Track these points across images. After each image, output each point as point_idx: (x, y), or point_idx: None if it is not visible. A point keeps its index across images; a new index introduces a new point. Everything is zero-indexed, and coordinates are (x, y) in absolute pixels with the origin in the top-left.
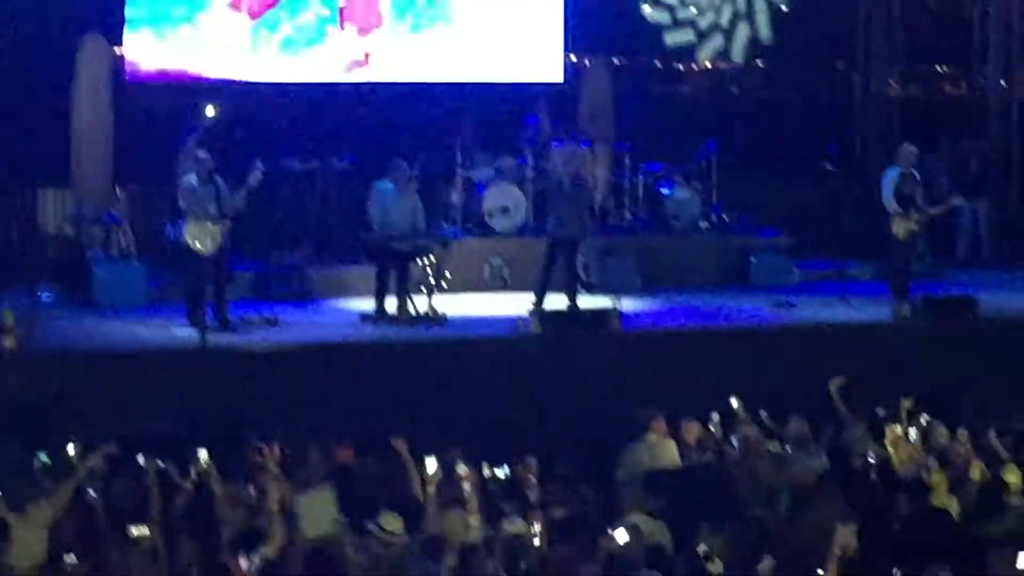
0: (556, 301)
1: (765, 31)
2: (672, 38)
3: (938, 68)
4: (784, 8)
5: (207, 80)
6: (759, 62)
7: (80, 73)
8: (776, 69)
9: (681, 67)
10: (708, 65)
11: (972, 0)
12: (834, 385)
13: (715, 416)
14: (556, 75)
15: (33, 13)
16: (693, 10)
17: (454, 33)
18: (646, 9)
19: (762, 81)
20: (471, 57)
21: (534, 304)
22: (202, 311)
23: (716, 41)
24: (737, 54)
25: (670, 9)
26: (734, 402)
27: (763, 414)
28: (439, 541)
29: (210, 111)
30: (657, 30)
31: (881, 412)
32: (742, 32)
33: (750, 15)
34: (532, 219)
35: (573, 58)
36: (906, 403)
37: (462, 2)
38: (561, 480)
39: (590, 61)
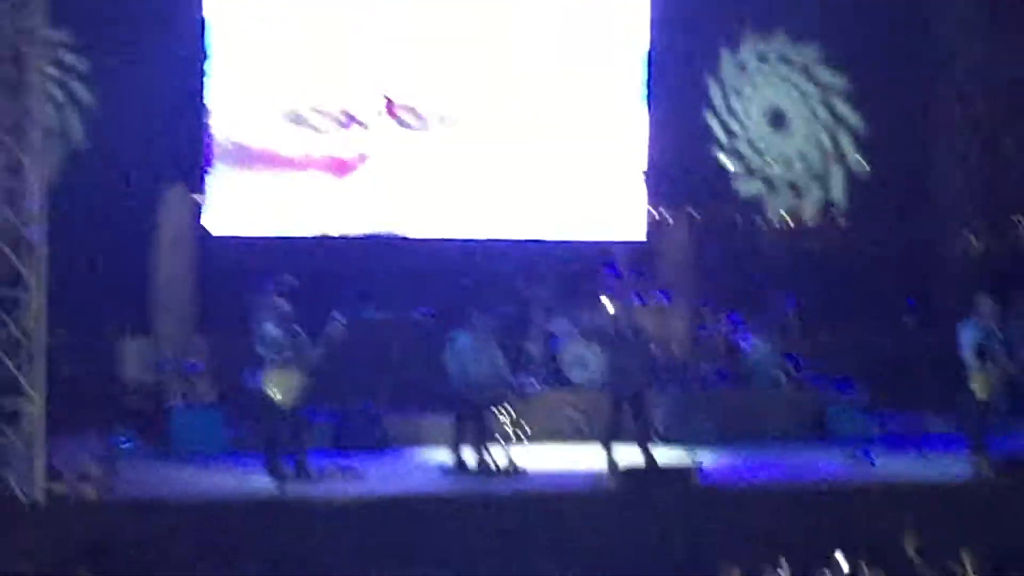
0: (631, 455)
1: (839, 194)
2: (771, 204)
3: (1015, 219)
4: (863, 166)
5: (286, 236)
6: (840, 219)
7: (162, 223)
8: (854, 223)
9: (760, 220)
10: (787, 219)
11: None
12: (910, 542)
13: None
14: (639, 232)
15: (117, 162)
16: (775, 167)
17: (538, 188)
18: (739, 184)
19: (840, 234)
20: (554, 213)
21: (606, 459)
22: (280, 460)
23: (787, 197)
24: (809, 213)
25: (761, 175)
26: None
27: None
28: None
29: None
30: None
31: (959, 570)
32: (815, 194)
33: (824, 178)
34: (609, 372)
35: (653, 212)
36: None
37: (545, 156)
38: None
39: (670, 216)
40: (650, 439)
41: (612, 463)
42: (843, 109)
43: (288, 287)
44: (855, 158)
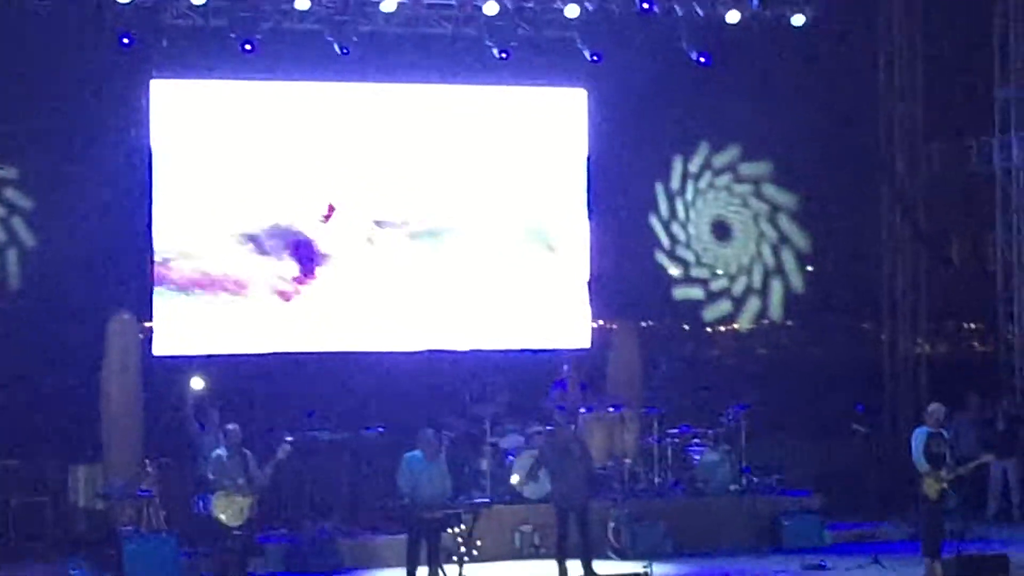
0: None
1: (798, 283)
2: (711, 313)
3: (964, 325)
4: (809, 268)
5: (233, 355)
6: (788, 323)
7: (109, 351)
8: (804, 329)
9: (709, 330)
10: (736, 327)
11: (996, 255)
12: None
13: None
14: (584, 341)
15: (64, 292)
16: (725, 281)
17: (482, 299)
18: (679, 292)
19: (790, 342)
20: (499, 324)
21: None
22: None
23: (753, 304)
24: (775, 311)
25: (703, 284)
26: None
27: None
28: None
29: (196, 384)
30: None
31: None
32: (777, 289)
33: (781, 271)
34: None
35: (600, 323)
36: None
37: (489, 267)
38: None
39: (617, 326)
40: (591, 553)
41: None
42: (789, 224)
43: (234, 411)
44: (801, 267)
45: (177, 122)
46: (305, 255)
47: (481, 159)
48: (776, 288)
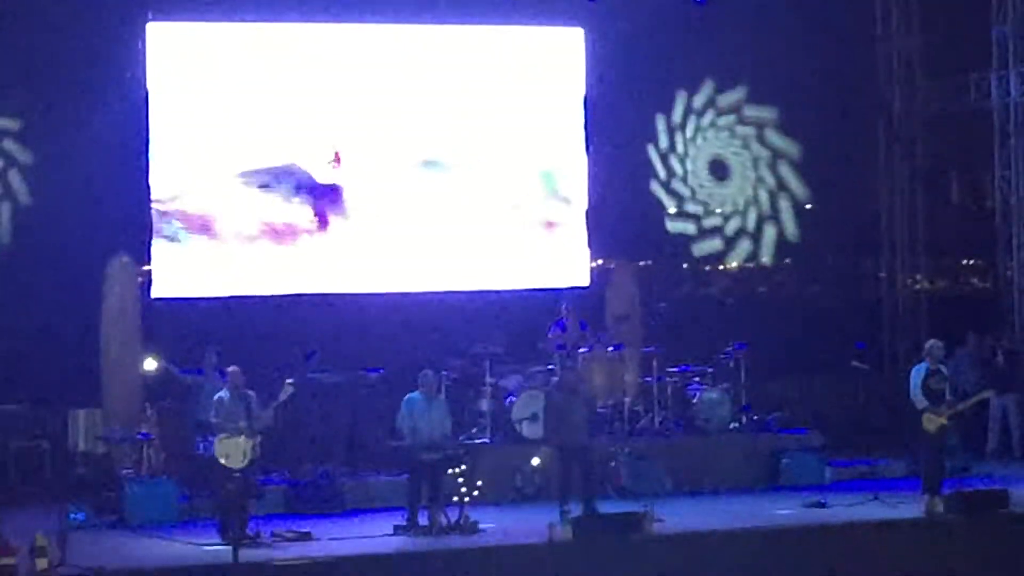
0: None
1: (791, 230)
2: (700, 248)
3: (963, 262)
4: (808, 206)
5: (233, 297)
6: (787, 261)
7: (108, 293)
8: (802, 268)
9: (708, 268)
10: (735, 266)
11: (994, 191)
12: None
13: None
14: (582, 279)
15: (61, 235)
16: (719, 218)
17: (481, 239)
18: (671, 224)
19: (789, 280)
20: (498, 263)
21: (562, 512)
22: (234, 526)
23: (744, 246)
24: (766, 255)
25: (696, 219)
26: None
27: None
28: None
29: (149, 364)
30: (683, 238)
31: None
32: (769, 234)
33: (775, 216)
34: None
35: (599, 262)
36: None
37: (488, 206)
38: None
39: (615, 264)
40: (594, 493)
41: (565, 514)
42: (786, 171)
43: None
44: (796, 215)
45: (173, 65)
46: (307, 197)
47: (479, 99)
48: (769, 233)
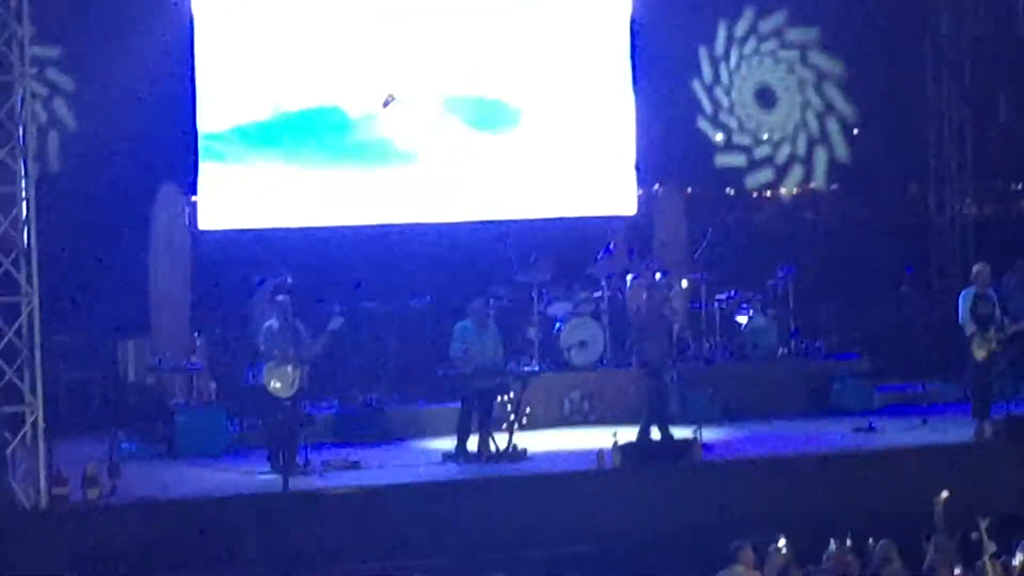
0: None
1: (842, 151)
2: (753, 180)
3: (1012, 185)
4: (855, 130)
5: (280, 228)
6: (834, 187)
7: (155, 224)
8: (849, 193)
9: (755, 195)
10: (783, 192)
11: None
12: (939, 503)
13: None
14: (630, 207)
15: (107, 165)
16: (769, 147)
17: (527, 168)
18: (720, 158)
19: (836, 205)
20: (545, 192)
21: (643, 436)
22: (284, 454)
23: (796, 171)
24: (818, 180)
25: (746, 151)
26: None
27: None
28: None
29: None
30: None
31: (973, 535)
32: (821, 157)
33: (825, 138)
34: (610, 352)
35: (645, 190)
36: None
37: (533, 136)
38: None
39: (662, 191)
40: (667, 416)
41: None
42: (833, 90)
43: (285, 282)
44: (841, 140)
45: None
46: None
47: (525, 29)
48: (820, 156)
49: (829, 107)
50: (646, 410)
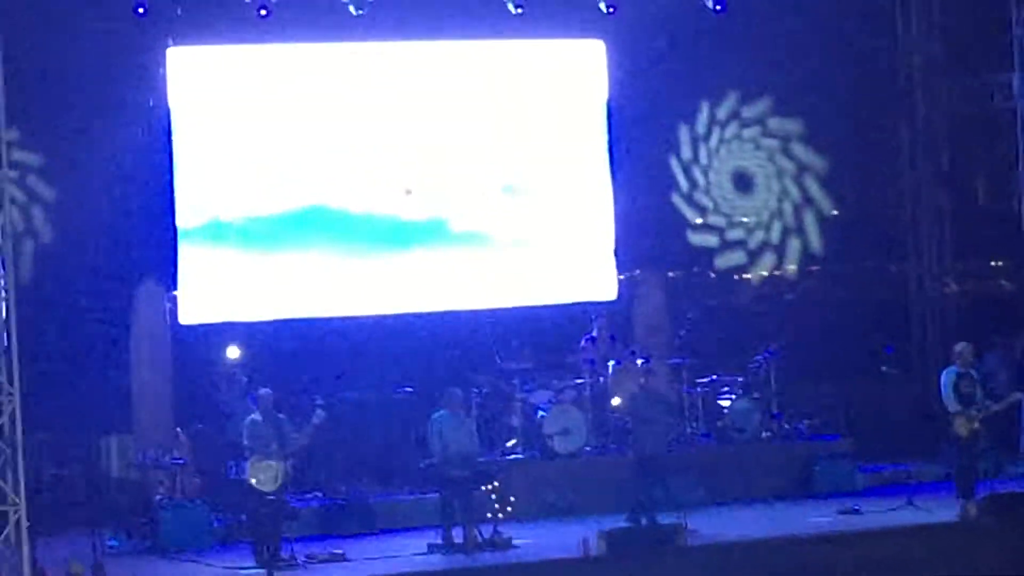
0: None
1: (816, 242)
2: (723, 261)
3: (991, 263)
4: (833, 212)
5: (259, 322)
6: (814, 268)
7: (137, 320)
8: (830, 273)
9: (736, 278)
10: (764, 274)
11: (1022, 190)
12: None
13: None
14: (610, 293)
15: (90, 262)
16: (742, 231)
17: (506, 258)
18: (693, 236)
19: (816, 286)
20: (524, 281)
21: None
22: (268, 549)
23: (768, 258)
24: (790, 267)
25: (719, 232)
26: None
27: None
28: None
29: (232, 353)
30: (707, 250)
31: None
32: (794, 246)
33: (800, 228)
34: (592, 439)
35: (625, 275)
36: None
37: (512, 226)
38: None
39: (643, 276)
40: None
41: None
42: (813, 183)
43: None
44: (825, 201)
45: (196, 89)
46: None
47: (501, 115)
48: (793, 246)
49: (807, 199)
50: (639, 497)
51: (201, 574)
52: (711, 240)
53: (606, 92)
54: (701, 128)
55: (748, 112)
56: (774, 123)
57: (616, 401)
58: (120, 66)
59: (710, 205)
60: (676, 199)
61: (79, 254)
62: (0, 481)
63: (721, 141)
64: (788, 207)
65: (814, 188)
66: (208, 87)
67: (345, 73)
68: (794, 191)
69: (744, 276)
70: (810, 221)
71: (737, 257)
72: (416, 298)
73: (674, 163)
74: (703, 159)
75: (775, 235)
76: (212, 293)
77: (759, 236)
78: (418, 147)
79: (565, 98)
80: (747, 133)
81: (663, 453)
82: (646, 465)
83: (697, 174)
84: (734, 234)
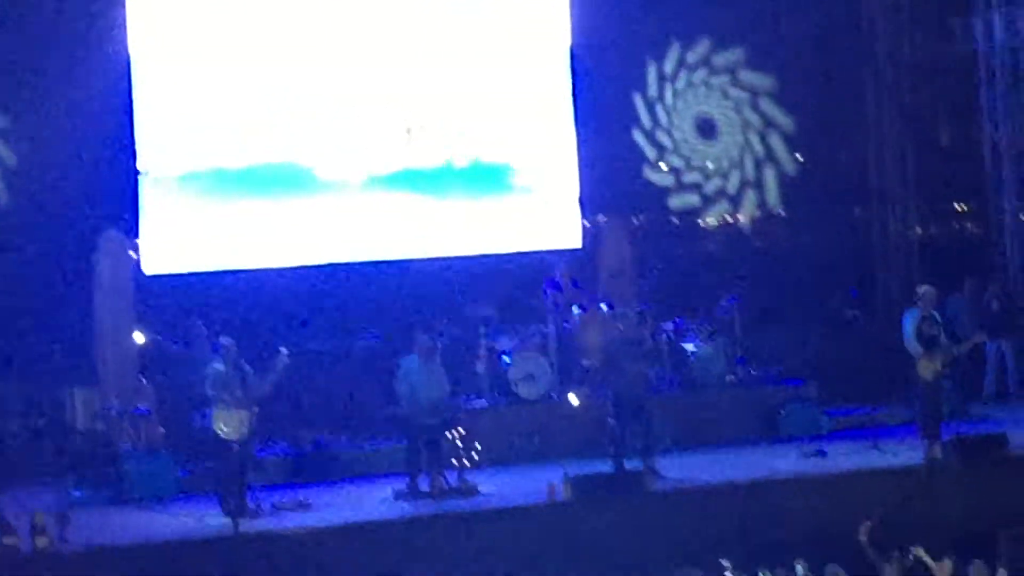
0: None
1: (773, 198)
2: (678, 201)
3: (955, 206)
4: (796, 165)
5: (224, 271)
6: (779, 213)
7: (100, 270)
8: (793, 218)
9: (700, 224)
10: (727, 219)
11: (984, 134)
12: (863, 531)
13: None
14: (574, 240)
15: (51, 213)
16: (699, 175)
17: (472, 206)
18: (675, 201)
19: (780, 231)
20: (489, 229)
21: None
22: (234, 498)
23: (750, 197)
24: (773, 199)
25: (676, 172)
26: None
27: (800, 567)
28: None
29: (138, 338)
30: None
31: (921, 554)
32: (750, 198)
33: (759, 183)
34: (557, 385)
35: (589, 222)
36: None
37: (478, 174)
38: None
39: (607, 223)
40: (653, 449)
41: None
42: (772, 110)
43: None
44: (787, 157)
45: (157, 35)
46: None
47: (461, 58)
48: (770, 176)
49: (770, 157)
50: (619, 441)
51: (167, 523)
52: (667, 179)
53: (569, 32)
54: (669, 68)
55: (719, 60)
56: (745, 75)
57: (590, 347)
58: (77, 9)
59: (670, 145)
60: (637, 135)
61: (40, 205)
62: None
63: (689, 84)
64: (749, 160)
65: (779, 146)
66: (170, 32)
67: (309, 18)
68: (758, 145)
69: (708, 221)
70: (770, 176)
71: (692, 200)
72: (379, 246)
73: (638, 100)
74: (668, 99)
75: (732, 185)
76: (175, 243)
77: (716, 183)
78: (383, 95)
79: (528, 40)
80: (716, 81)
81: (643, 395)
82: (627, 408)
83: (660, 113)
84: (691, 177)
